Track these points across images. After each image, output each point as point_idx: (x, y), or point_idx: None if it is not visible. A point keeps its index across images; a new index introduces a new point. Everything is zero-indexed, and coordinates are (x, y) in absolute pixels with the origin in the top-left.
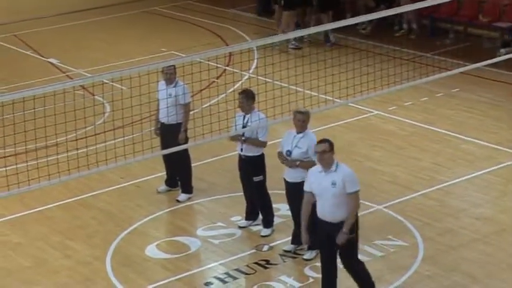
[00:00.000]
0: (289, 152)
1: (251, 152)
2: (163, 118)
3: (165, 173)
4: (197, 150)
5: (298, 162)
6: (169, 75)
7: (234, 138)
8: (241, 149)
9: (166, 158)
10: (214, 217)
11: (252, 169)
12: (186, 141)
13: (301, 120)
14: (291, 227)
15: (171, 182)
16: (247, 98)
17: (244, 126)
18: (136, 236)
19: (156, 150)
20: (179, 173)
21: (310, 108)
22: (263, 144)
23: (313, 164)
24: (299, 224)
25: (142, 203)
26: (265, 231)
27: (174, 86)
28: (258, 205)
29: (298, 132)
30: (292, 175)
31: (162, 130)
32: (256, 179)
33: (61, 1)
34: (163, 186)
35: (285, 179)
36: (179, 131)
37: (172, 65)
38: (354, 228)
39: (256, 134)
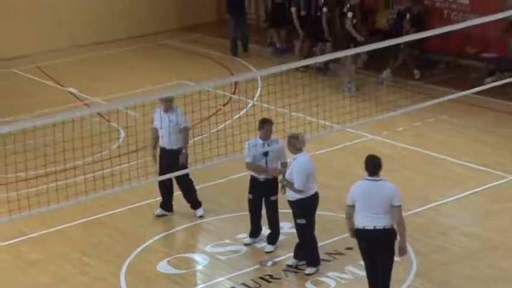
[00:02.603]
0: (284, 172)
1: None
2: (166, 144)
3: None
4: (206, 173)
5: (284, 182)
6: (170, 103)
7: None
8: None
9: (169, 183)
10: (222, 235)
11: (271, 189)
12: (186, 162)
13: (291, 144)
14: (293, 244)
15: (167, 206)
16: (270, 126)
17: (265, 152)
18: (149, 252)
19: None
20: (186, 194)
21: (310, 133)
22: (298, 190)
23: (291, 186)
24: (303, 240)
25: (155, 222)
26: (270, 248)
27: (173, 112)
28: (270, 222)
29: (293, 154)
30: (289, 194)
31: (163, 156)
32: (273, 198)
33: (79, 34)
34: (159, 210)
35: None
36: (183, 158)
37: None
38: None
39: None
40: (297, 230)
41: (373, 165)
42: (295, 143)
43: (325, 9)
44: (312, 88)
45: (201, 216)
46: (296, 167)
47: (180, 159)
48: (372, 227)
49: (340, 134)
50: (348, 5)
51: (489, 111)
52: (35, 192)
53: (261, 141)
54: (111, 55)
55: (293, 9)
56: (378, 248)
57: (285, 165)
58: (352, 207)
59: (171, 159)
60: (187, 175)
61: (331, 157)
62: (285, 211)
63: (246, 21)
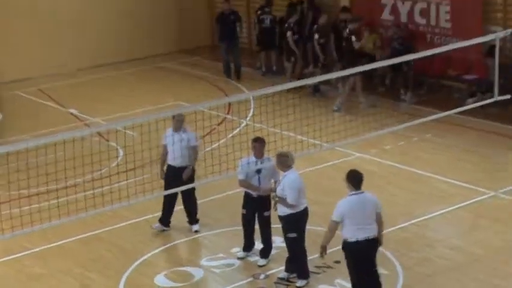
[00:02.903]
0: (275, 189)
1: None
2: (175, 161)
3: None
4: (201, 189)
5: (277, 198)
6: (181, 123)
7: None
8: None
9: (174, 199)
10: (216, 249)
11: (264, 205)
12: (192, 177)
13: (281, 161)
14: (285, 257)
15: (166, 222)
16: (263, 144)
17: (258, 170)
18: (147, 266)
19: (164, 190)
20: (191, 208)
21: (301, 151)
22: (290, 205)
23: (284, 201)
24: (293, 253)
25: (152, 237)
26: (262, 262)
27: (184, 132)
28: (262, 237)
29: (283, 172)
30: (280, 210)
31: (171, 172)
32: (266, 214)
33: (80, 57)
34: (158, 224)
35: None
36: (189, 172)
37: (182, 113)
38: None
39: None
40: (287, 243)
41: (357, 179)
42: (286, 161)
43: (316, 36)
44: (302, 108)
45: (196, 231)
46: (288, 183)
47: (185, 174)
48: (364, 238)
49: (329, 152)
50: (348, 30)
51: (471, 130)
52: (37, 209)
53: (254, 159)
54: (111, 77)
55: (289, 33)
56: (367, 258)
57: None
58: (339, 223)
59: (179, 176)
60: (194, 191)
61: (320, 174)
62: (277, 226)
63: (237, 45)
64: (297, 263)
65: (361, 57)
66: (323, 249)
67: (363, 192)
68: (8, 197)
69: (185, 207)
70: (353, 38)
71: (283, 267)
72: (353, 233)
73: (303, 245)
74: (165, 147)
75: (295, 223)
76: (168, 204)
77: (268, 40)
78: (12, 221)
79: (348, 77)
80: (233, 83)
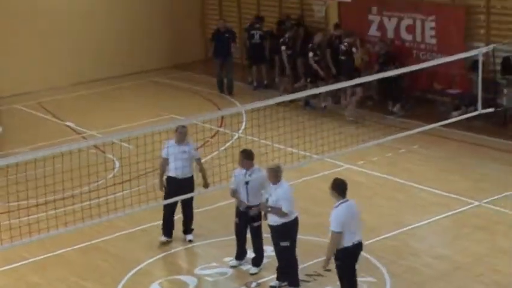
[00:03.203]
0: (266, 200)
1: (257, 201)
2: (177, 173)
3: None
4: (195, 200)
5: (269, 208)
6: (184, 135)
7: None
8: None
9: (174, 210)
10: (209, 258)
11: (254, 216)
12: (192, 186)
13: (274, 174)
14: (275, 266)
15: (170, 232)
16: (247, 157)
17: (246, 181)
18: (142, 275)
19: (159, 200)
20: (190, 217)
21: (291, 163)
22: (284, 214)
23: (279, 211)
24: (286, 262)
25: (147, 246)
26: (254, 270)
27: (187, 144)
28: (254, 247)
29: (273, 183)
30: (271, 219)
31: (174, 184)
32: (256, 224)
33: (77, 72)
34: (163, 237)
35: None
36: (192, 183)
37: (185, 126)
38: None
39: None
40: (280, 252)
41: (343, 188)
42: (278, 173)
43: (311, 54)
44: (292, 121)
45: (190, 241)
46: (282, 194)
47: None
48: (357, 241)
49: (319, 164)
50: (346, 44)
51: (455, 142)
52: (35, 220)
53: (243, 171)
54: (107, 92)
55: (283, 48)
56: (356, 261)
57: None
58: (342, 232)
59: (181, 188)
60: (192, 200)
61: (310, 185)
62: (268, 236)
63: (231, 62)
64: (288, 272)
65: (356, 70)
66: (327, 262)
67: (348, 200)
68: (7, 208)
69: (185, 217)
70: (353, 49)
71: (274, 276)
72: (349, 238)
73: (295, 254)
74: (165, 159)
75: (287, 232)
76: (170, 215)
77: (258, 55)
78: (12, 232)
79: (352, 88)
80: (226, 97)
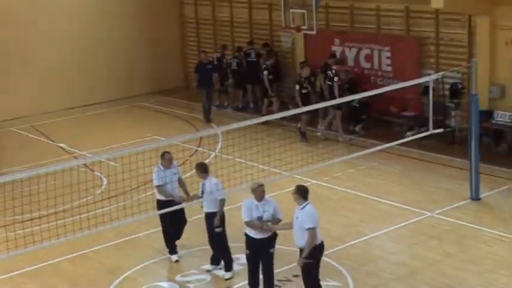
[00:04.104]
0: (261, 217)
1: (211, 208)
2: (173, 194)
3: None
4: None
5: (269, 223)
6: (171, 160)
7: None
8: (202, 207)
9: (178, 227)
10: (189, 266)
11: (212, 222)
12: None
13: (263, 191)
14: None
15: (175, 250)
16: (200, 170)
17: (202, 190)
18: (127, 282)
19: (143, 214)
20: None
21: (263, 179)
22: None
23: (280, 221)
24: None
25: (132, 256)
26: (228, 274)
27: (174, 167)
28: (220, 252)
29: (259, 200)
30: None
31: (164, 206)
32: (217, 230)
33: (68, 98)
34: (175, 256)
35: (253, 237)
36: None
37: (170, 152)
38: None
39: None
40: (265, 261)
41: (307, 192)
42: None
43: (297, 87)
44: (264, 141)
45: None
46: (307, 214)
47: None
48: (321, 240)
49: (288, 180)
50: (333, 71)
51: (410, 159)
52: (30, 232)
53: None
54: (95, 115)
55: (265, 73)
56: None
57: (222, 201)
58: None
59: (177, 210)
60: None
61: (281, 199)
62: (241, 244)
63: (212, 92)
64: (268, 276)
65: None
66: (307, 257)
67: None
68: (4, 222)
69: (181, 230)
70: (335, 78)
71: (246, 282)
72: (318, 236)
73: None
74: (159, 187)
75: (275, 240)
76: (169, 236)
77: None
78: (8, 244)
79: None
80: (203, 120)
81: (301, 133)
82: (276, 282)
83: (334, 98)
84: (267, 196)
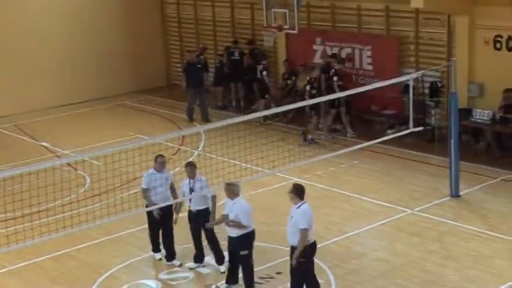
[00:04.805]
0: (227, 215)
1: (200, 205)
2: (165, 200)
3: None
4: None
5: (231, 223)
6: (164, 164)
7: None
8: (189, 205)
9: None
10: (172, 264)
11: (204, 219)
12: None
13: (231, 190)
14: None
15: (174, 255)
16: (194, 168)
17: (191, 188)
18: (111, 280)
19: (127, 212)
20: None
21: (245, 178)
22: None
23: (240, 224)
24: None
25: (116, 254)
26: (222, 268)
27: (166, 171)
28: (210, 248)
29: (231, 199)
30: (232, 231)
31: (164, 212)
32: (207, 225)
33: (51, 97)
34: (177, 261)
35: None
36: (171, 207)
37: (163, 155)
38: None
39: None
40: (239, 260)
41: (303, 191)
42: (234, 189)
43: (308, 87)
44: (246, 139)
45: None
46: (240, 209)
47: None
48: (314, 239)
49: (271, 177)
50: (334, 70)
51: (390, 157)
52: (13, 231)
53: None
54: (78, 114)
55: (264, 73)
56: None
57: (214, 198)
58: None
59: (168, 213)
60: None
61: (263, 197)
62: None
63: (204, 91)
64: (246, 276)
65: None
66: (301, 255)
67: (306, 201)
68: None
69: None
70: (335, 78)
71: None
72: (311, 236)
73: (252, 260)
74: (146, 190)
75: (247, 242)
76: (157, 234)
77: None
78: None
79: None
80: (186, 119)
81: (307, 137)
82: (258, 280)
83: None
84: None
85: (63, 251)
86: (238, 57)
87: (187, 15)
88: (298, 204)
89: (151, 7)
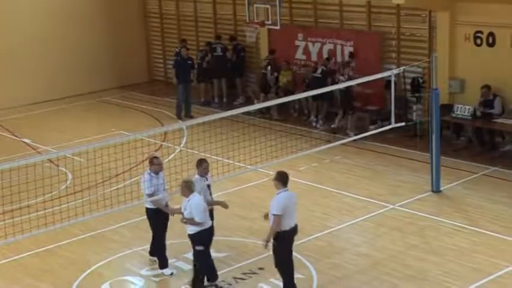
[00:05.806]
0: (182, 213)
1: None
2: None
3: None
4: (138, 209)
5: (185, 220)
6: (161, 166)
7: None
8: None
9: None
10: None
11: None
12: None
13: (188, 187)
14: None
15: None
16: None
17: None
18: (94, 276)
19: (109, 209)
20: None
21: (228, 173)
22: (199, 224)
23: (193, 221)
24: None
25: (98, 250)
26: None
27: (162, 173)
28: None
29: (186, 197)
30: (189, 228)
31: (163, 214)
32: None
33: (33, 93)
34: (167, 270)
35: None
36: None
37: (159, 156)
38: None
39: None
40: (195, 255)
41: (285, 178)
42: (191, 186)
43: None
44: (228, 136)
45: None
46: (194, 206)
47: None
48: (294, 225)
49: (253, 173)
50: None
51: (372, 153)
52: None
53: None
54: (60, 110)
55: (269, 68)
56: (292, 242)
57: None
58: (282, 215)
59: (166, 216)
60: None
61: (245, 192)
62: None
63: (191, 87)
64: (196, 273)
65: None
66: (267, 243)
67: (288, 190)
68: None
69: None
70: (341, 77)
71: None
72: (288, 222)
73: (209, 259)
74: (152, 195)
75: (203, 238)
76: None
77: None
78: None
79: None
80: (169, 115)
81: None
82: (240, 276)
83: (350, 96)
84: None
85: (45, 248)
86: (221, 53)
87: (169, 10)
88: (277, 192)
89: (133, 2)
